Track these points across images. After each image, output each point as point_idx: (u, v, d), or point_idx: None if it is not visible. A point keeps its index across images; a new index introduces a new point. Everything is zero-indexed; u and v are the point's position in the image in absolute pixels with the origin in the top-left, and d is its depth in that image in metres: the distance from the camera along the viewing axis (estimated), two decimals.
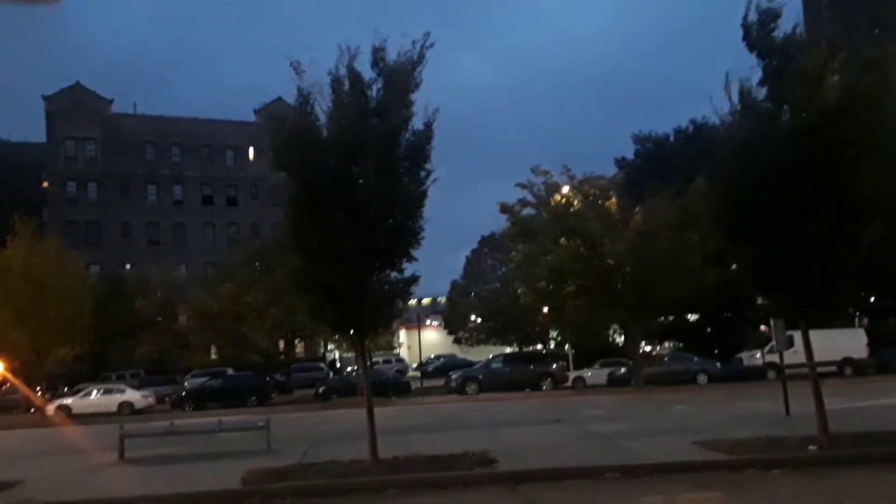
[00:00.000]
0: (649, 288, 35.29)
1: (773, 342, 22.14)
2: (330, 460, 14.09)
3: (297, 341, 54.69)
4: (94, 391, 39.82)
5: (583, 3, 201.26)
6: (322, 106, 13.01)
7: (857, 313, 47.84)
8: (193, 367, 50.55)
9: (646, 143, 58.84)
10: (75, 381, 45.60)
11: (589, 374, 41.36)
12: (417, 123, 13.14)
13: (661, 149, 56.50)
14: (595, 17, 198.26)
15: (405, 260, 13.58)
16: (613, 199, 37.38)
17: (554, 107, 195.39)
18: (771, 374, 34.70)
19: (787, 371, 21.19)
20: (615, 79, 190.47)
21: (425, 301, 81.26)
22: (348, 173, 12.95)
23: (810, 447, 13.29)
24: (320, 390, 41.93)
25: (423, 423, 23.56)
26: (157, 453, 17.50)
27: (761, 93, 13.56)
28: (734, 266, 21.59)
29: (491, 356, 47.05)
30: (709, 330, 50.65)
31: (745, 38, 13.59)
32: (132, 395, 39.40)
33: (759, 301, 26.15)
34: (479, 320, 63.62)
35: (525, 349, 57.29)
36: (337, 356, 66.76)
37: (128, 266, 66.74)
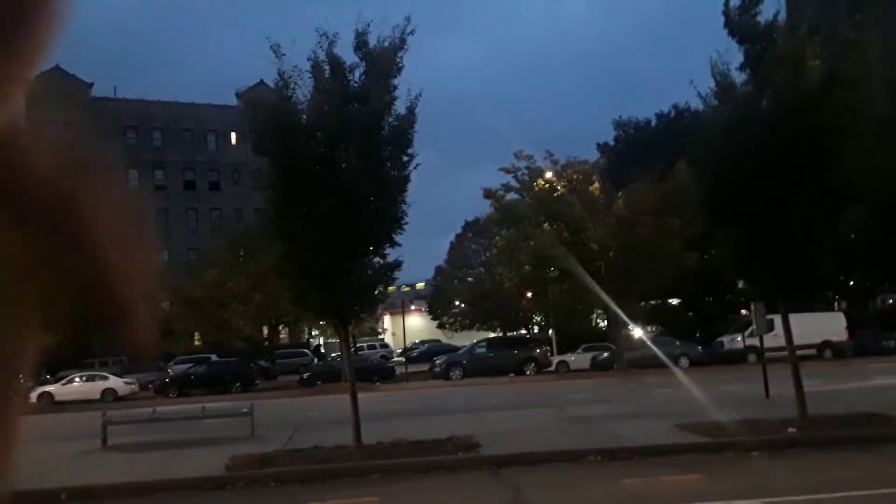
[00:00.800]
0: (632, 272, 35.47)
1: (754, 326, 22.38)
2: (314, 446, 14.13)
3: (281, 327, 54.58)
4: (77, 378, 39.61)
5: None
6: (303, 90, 12.97)
7: (837, 297, 48.36)
8: (177, 354, 50.35)
9: (627, 129, 58.90)
10: (57, 369, 45.29)
11: (572, 358, 41.55)
12: (400, 108, 13.12)
13: (642, 134, 56.56)
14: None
15: (388, 245, 13.58)
16: (596, 184, 37.47)
17: (539, 91, 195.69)
18: (751, 357, 35.15)
19: (766, 354, 21.43)
20: (602, 62, 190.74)
21: (419, 286, 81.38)
22: (330, 158, 12.90)
23: (789, 429, 13.48)
24: (304, 376, 41.91)
25: (407, 408, 23.63)
26: (140, 440, 17.45)
27: (743, 77, 13.65)
28: (715, 250, 21.79)
29: (475, 341, 47.16)
30: (690, 314, 51.04)
31: (726, 25, 13.64)
32: (115, 382, 39.22)
33: (740, 285, 26.34)
34: (463, 305, 63.73)
35: (509, 334, 57.47)
36: (321, 342, 66.72)
37: None
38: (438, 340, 65.43)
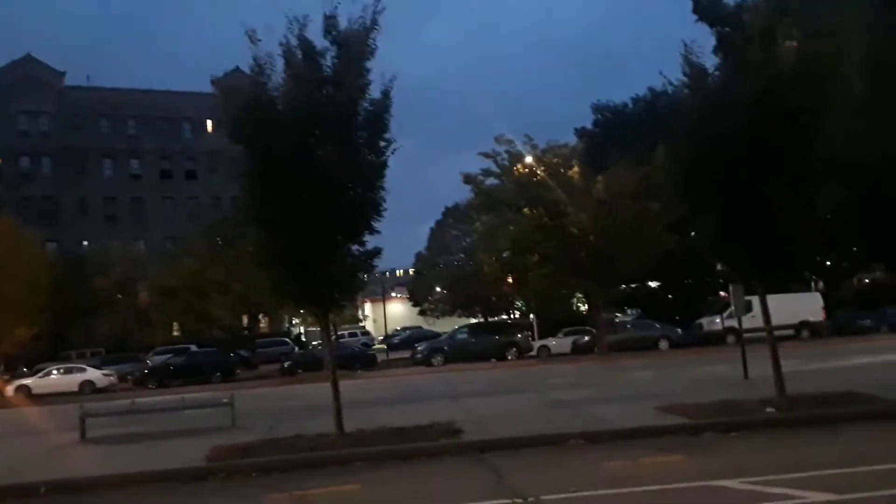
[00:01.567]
0: (611, 256, 35.65)
1: (732, 307, 22.56)
2: (295, 435, 14.07)
3: (260, 316, 54.34)
4: (54, 371, 39.24)
5: None
6: (278, 76, 12.79)
7: (814, 277, 48.93)
8: (156, 345, 49.99)
9: (605, 113, 59.00)
10: (34, 361, 44.79)
11: (553, 342, 41.77)
12: (375, 92, 12.97)
13: (619, 117, 56.69)
14: None
15: (367, 232, 13.47)
16: (576, 168, 37.54)
17: (520, 74, 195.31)
18: (730, 338, 35.49)
19: (745, 335, 21.63)
20: (583, 45, 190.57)
21: (399, 273, 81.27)
22: (306, 145, 12.74)
23: (768, 409, 13.62)
24: (285, 365, 41.81)
25: (389, 395, 23.64)
26: (119, 432, 17.28)
27: (715, 61, 13.67)
28: (694, 233, 21.89)
29: (456, 327, 47.28)
30: (670, 297, 51.43)
31: (694, 10, 13.63)
32: (93, 374, 38.90)
33: (719, 267, 26.59)
34: (444, 292, 63.81)
35: (490, 320, 57.65)
36: (302, 330, 66.58)
37: (85, 243, 65.45)
38: (420, 327, 65.58)
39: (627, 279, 43.26)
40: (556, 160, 37.93)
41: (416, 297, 68.61)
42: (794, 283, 38.50)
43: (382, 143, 13.09)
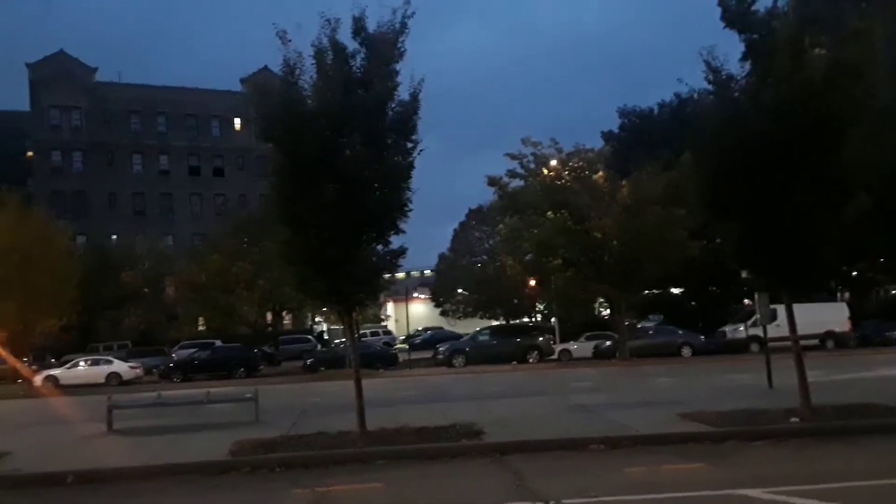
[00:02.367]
0: (635, 261, 35.49)
1: (757, 315, 22.38)
2: (318, 432, 14.19)
3: (284, 313, 54.79)
4: (82, 362, 39.83)
5: None
6: (308, 76, 12.93)
7: (839, 287, 48.33)
8: (181, 339, 50.55)
9: (631, 117, 58.80)
10: (62, 353, 45.54)
11: (575, 346, 41.64)
12: (403, 94, 13.06)
13: (645, 122, 56.49)
14: None
15: (392, 232, 13.57)
16: (601, 173, 37.41)
17: (547, 77, 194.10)
18: (754, 347, 35.19)
19: (769, 344, 21.44)
20: (611, 48, 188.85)
21: (415, 273, 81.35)
22: (334, 144, 12.87)
23: (792, 419, 13.50)
24: (308, 362, 42.08)
25: (410, 395, 23.73)
26: (145, 424, 17.56)
27: (742, 69, 13.60)
28: (719, 240, 21.75)
29: (478, 329, 47.27)
30: (693, 303, 51.07)
31: (722, 17, 13.56)
32: (120, 367, 39.43)
33: (744, 275, 26.33)
34: (466, 293, 63.81)
35: (512, 322, 57.58)
36: (325, 328, 66.91)
37: (114, 237, 66.33)
38: (441, 328, 65.61)
39: (650, 285, 43.01)
40: (581, 164, 37.81)
41: (438, 298, 68.66)
42: (819, 293, 38.10)
43: (409, 145, 13.19)
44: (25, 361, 39.89)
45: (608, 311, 50.02)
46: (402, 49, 12.93)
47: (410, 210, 13.46)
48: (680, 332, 41.22)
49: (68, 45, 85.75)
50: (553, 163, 37.97)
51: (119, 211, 70.43)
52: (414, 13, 12.82)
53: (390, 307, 77.83)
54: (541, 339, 41.57)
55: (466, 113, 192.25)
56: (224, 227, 52.71)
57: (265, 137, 13.36)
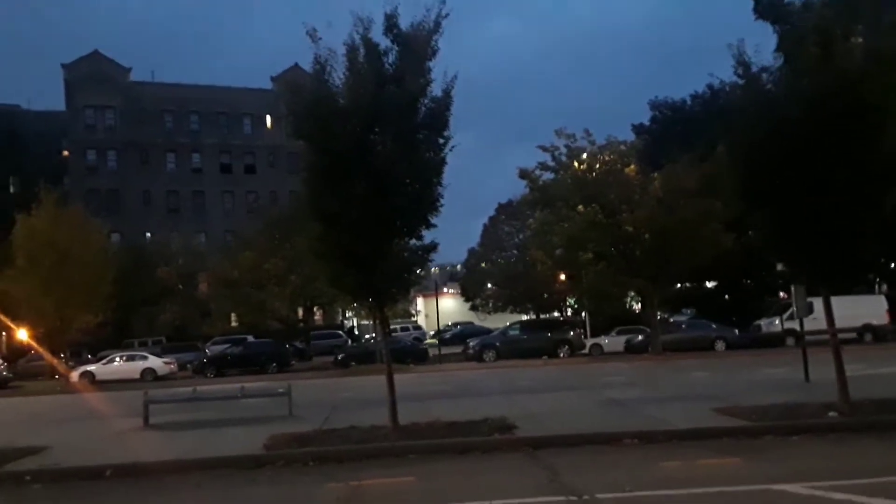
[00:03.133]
0: (667, 255, 35.15)
1: (794, 309, 22.03)
2: (350, 426, 14.28)
3: (315, 309, 55.11)
4: (117, 358, 40.47)
5: None
6: (339, 73, 12.97)
7: (878, 279, 47.43)
8: (214, 335, 51.12)
9: (662, 109, 58.14)
10: (98, 349, 46.30)
11: (606, 341, 41.39)
12: (436, 90, 13.04)
13: (678, 114, 55.80)
14: None
15: (424, 227, 13.59)
16: (633, 166, 37.07)
17: (577, 70, 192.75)
18: (790, 340, 34.64)
19: (806, 338, 21.11)
20: (642, 40, 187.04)
21: (447, 268, 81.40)
22: (366, 141, 12.92)
23: (830, 414, 13.30)
24: (339, 357, 42.31)
25: (441, 389, 23.76)
26: (180, 419, 17.80)
27: (775, 60, 13.39)
28: (752, 232, 21.42)
29: (508, 323, 47.15)
30: (727, 297, 50.44)
31: (755, 9, 13.36)
32: (154, 362, 40.00)
33: (779, 268, 25.91)
34: (496, 288, 63.69)
35: (542, 316, 57.38)
36: (355, 323, 67.25)
37: (148, 234, 67.34)
38: (471, 322, 65.60)
39: (683, 278, 42.56)
40: (613, 157, 37.48)
41: (468, 293, 68.61)
42: (857, 285, 37.40)
43: (441, 141, 13.18)
44: (62, 357, 40.64)
45: (640, 305, 49.62)
46: (436, 48, 12.93)
47: (441, 205, 13.49)
48: (713, 325, 40.74)
49: (102, 46, 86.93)
50: (584, 156, 37.68)
51: (153, 209, 71.36)
52: (448, 14, 12.81)
53: (420, 302, 77.94)
54: (571, 333, 41.36)
55: (495, 107, 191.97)
56: (256, 223, 53.13)
57: (297, 134, 13.45)
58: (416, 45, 12.78)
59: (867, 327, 37.58)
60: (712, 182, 30.64)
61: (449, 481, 10.43)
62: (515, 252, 61.75)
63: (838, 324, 14.27)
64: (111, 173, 70.95)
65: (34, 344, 40.48)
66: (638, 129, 54.31)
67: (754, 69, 13.42)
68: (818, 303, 15.18)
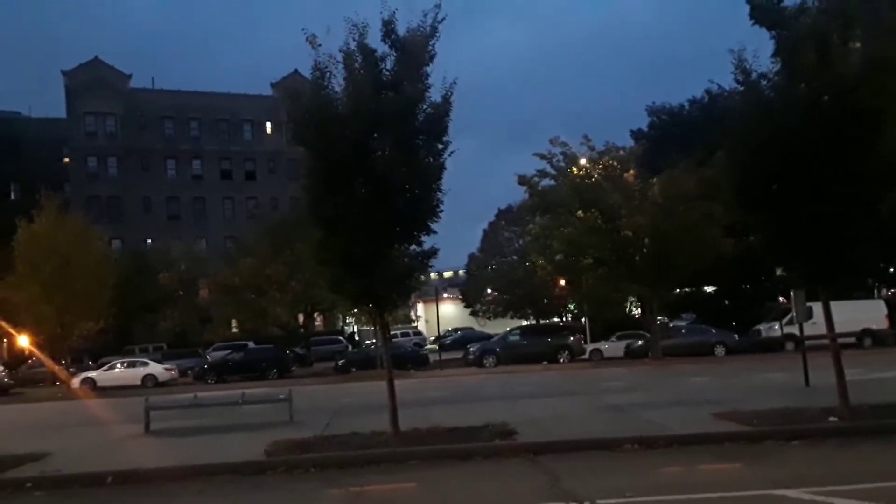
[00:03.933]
0: (667, 260, 35.17)
1: (793, 313, 22.04)
2: (351, 432, 14.29)
3: (316, 315, 55.12)
4: (118, 364, 40.44)
5: None
6: (339, 79, 13.03)
7: (877, 284, 47.44)
8: (215, 341, 51.12)
9: (660, 115, 58.26)
10: (99, 355, 46.29)
11: (606, 346, 41.37)
12: (435, 96, 13.09)
13: (675, 120, 55.94)
14: None
15: (424, 233, 13.62)
16: (632, 171, 37.11)
17: (579, 76, 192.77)
18: (789, 345, 34.67)
19: (805, 342, 21.12)
20: (645, 47, 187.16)
21: (447, 274, 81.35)
22: (365, 146, 12.95)
23: (830, 418, 13.31)
24: (339, 363, 42.32)
25: (442, 395, 23.76)
26: (181, 425, 17.81)
27: (772, 66, 13.45)
28: (753, 237, 21.47)
29: (508, 329, 47.16)
30: (726, 302, 50.44)
31: (751, 14, 13.41)
32: (155, 369, 39.97)
33: (778, 272, 25.96)
34: (496, 293, 63.68)
35: (542, 322, 57.37)
36: (355, 329, 67.22)
37: (149, 241, 67.33)
38: (472, 328, 65.55)
39: (683, 283, 42.56)
40: (613, 162, 37.53)
41: (469, 299, 68.61)
42: (856, 290, 37.40)
43: (440, 146, 13.22)
44: (63, 364, 40.65)
45: (639, 310, 49.61)
46: (433, 52, 12.98)
47: (441, 211, 13.52)
48: (713, 330, 40.74)
49: (103, 53, 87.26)
50: (583, 161, 37.73)
51: (153, 215, 71.39)
52: (444, 18, 12.87)
53: (420, 308, 77.94)
54: (571, 338, 41.33)
55: (495, 112, 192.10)
56: (256, 230, 53.18)
57: (297, 140, 13.51)
58: (414, 51, 12.84)
59: (867, 332, 37.50)
60: (711, 187, 30.70)
61: (450, 487, 10.45)
62: (515, 257, 61.75)
63: (838, 328, 14.28)
64: (112, 180, 70.98)
65: (35, 350, 40.54)
66: (636, 134, 54.39)
67: (754, 75, 13.49)
68: (818, 307, 15.20)
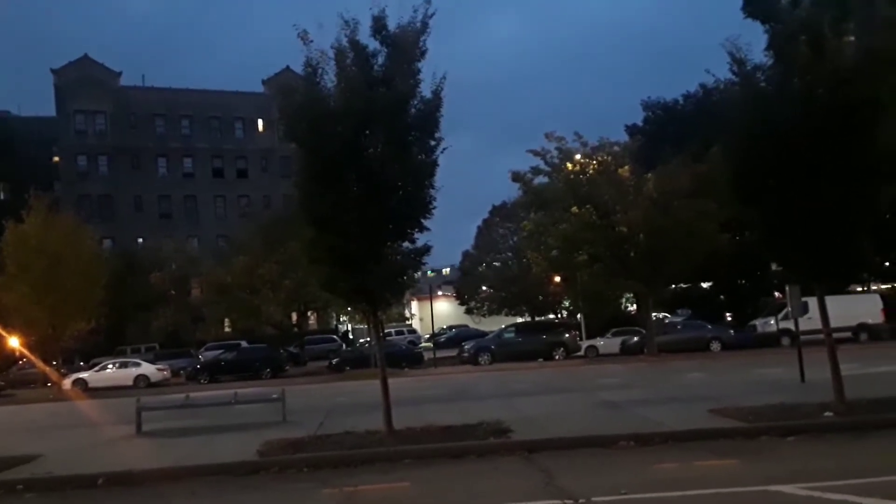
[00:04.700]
0: (662, 256, 35.14)
1: (788, 308, 22.03)
2: (345, 431, 14.21)
3: (309, 313, 54.98)
4: (110, 365, 40.25)
5: None
6: (330, 75, 12.93)
7: (873, 278, 47.54)
8: (208, 340, 50.90)
9: (655, 109, 58.23)
10: (91, 356, 46.06)
11: (601, 342, 41.36)
12: (426, 92, 13.00)
13: (670, 114, 55.90)
14: None
15: (417, 230, 13.53)
16: (627, 167, 37.04)
17: (575, 71, 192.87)
18: (785, 340, 34.69)
19: (801, 337, 21.10)
20: (641, 42, 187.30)
21: (445, 271, 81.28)
22: (357, 143, 12.85)
23: (826, 414, 13.26)
24: (333, 362, 42.18)
25: (436, 393, 23.68)
26: (173, 426, 17.69)
27: (766, 59, 13.39)
28: (749, 232, 21.42)
29: (503, 326, 47.10)
30: (721, 297, 50.49)
31: (744, 7, 13.34)
32: (147, 369, 39.79)
33: (774, 267, 25.90)
34: (490, 290, 63.63)
35: (537, 319, 57.35)
36: (349, 328, 67.11)
37: (140, 240, 67.03)
38: (466, 325, 65.50)
39: (678, 279, 42.57)
40: (607, 158, 37.44)
41: (463, 296, 68.55)
42: (852, 284, 37.45)
43: (433, 142, 13.14)
44: (55, 365, 40.40)
45: (635, 306, 49.62)
46: (424, 48, 12.91)
47: (435, 208, 13.43)
48: (709, 326, 40.79)
49: (92, 51, 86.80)
50: (577, 157, 37.64)
51: (145, 214, 71.11)
52: (434, 13, 12.82)
53: (414, 305, 77.92)
54: (566, 335, 41.29)
55: (489, 108, 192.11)
56: (248, 228, 52.97)
57: (289, 137, 13.43)
58: (405, 46, 12.77)
59: (862, 326, 37.60)
60: (706, 182, 30.67)
61: (444, 486, 10.36)
62: (510, 254, 61.71)
63: (833, 323, 14.25)
64: (102, 179, 70.67)
65: (26, 352, 40.25)
66: (631, 129, 54.38)
67: (749, 66, 13.42)
68: (813, 302, 15.17)
